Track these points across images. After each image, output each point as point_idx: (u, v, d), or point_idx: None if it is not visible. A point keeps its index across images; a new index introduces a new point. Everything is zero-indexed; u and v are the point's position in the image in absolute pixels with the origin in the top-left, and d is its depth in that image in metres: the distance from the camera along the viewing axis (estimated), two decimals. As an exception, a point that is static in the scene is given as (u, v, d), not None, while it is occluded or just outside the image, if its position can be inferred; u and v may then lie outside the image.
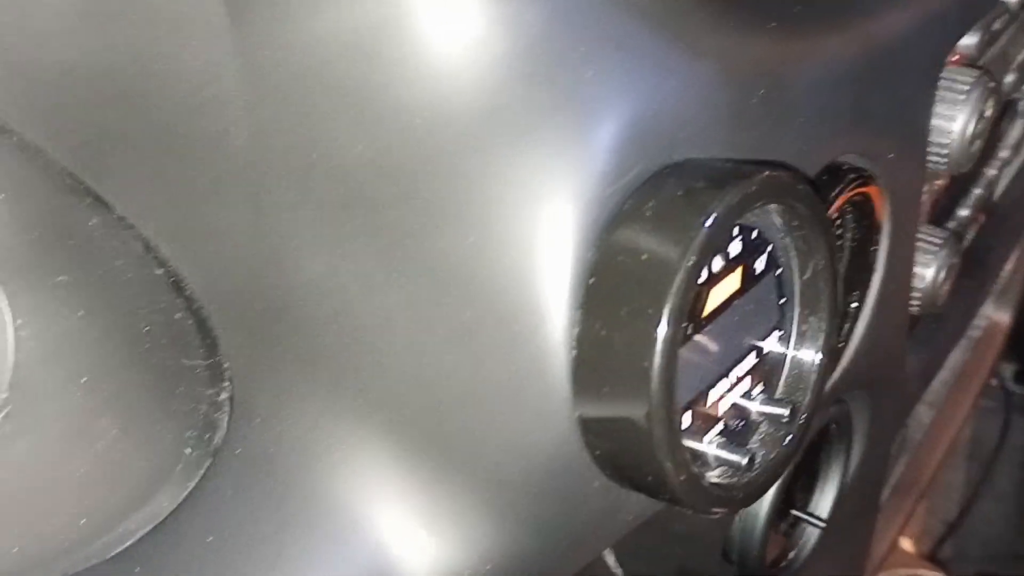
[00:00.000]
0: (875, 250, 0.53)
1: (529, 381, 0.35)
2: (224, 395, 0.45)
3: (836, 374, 0.54)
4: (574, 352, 0.34)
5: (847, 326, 0.53)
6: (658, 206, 0.34)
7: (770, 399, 0.40)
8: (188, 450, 0.43)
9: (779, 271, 0.40)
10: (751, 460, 0.38)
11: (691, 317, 0.36)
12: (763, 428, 0.40)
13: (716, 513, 0.37)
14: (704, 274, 0.36)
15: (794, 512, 0.60)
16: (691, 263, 0.33)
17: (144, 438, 0.44)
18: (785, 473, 0.54)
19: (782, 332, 0.41)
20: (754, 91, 0.41)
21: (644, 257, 0.33)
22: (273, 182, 0.38)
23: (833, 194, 0.46)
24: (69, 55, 0.39)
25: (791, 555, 0.62)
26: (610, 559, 0.57)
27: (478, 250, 0.35)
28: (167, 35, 0.36)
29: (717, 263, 0.36)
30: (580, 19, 0.36)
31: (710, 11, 0.41)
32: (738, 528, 0.55)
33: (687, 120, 0.37)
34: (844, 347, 0.53)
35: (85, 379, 0.47)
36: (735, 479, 0.38)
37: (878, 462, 0.67)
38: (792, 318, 0.41)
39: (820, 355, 0.41)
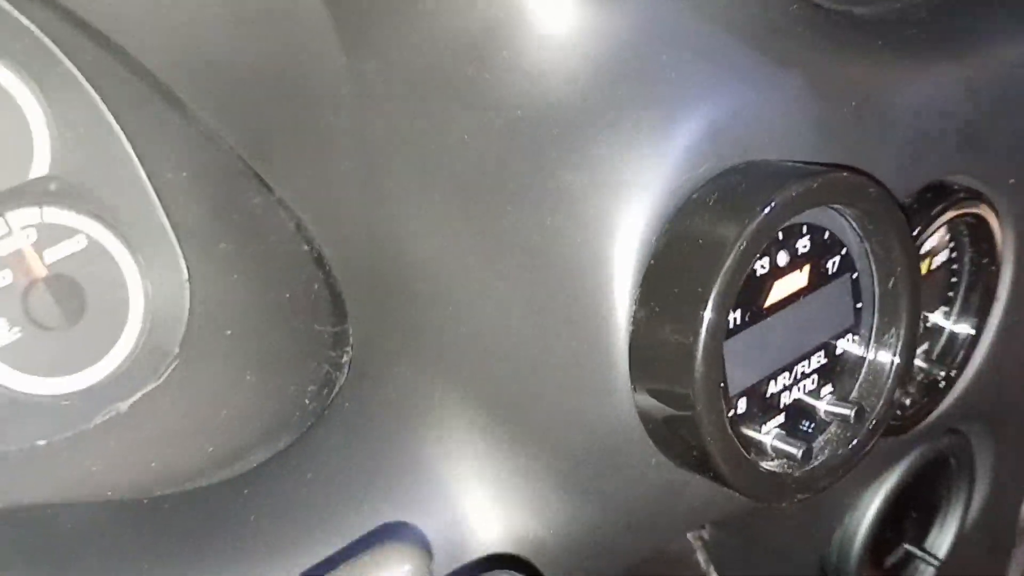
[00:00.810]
0: (996, 275, 0.52)
1: (593, 355, 0.38)
2: (345, 358, 0.50)
3: (948, 402, 0.53)
4: (632, 329, 0.37)
5: (960, 354, 0.52)
6: (720, 197, 0.37)
7: (838, 400, 0.41)
8: (307, 401, 0.49)
9: (855, 275, 0.41)
10: (807, 453, 0.39)
11: (750, 307, 0.38)
12: (832, 428, 0.41)
13: (766, 500, 0.39)
14: (766, 266, 0.38)
15: (906, 546, 0.59)
16: (741, 249, 0.35)
17: (275, 390, 0.50)
18: (887, 499, 0.54)
19: (858, 336, 0.42)
20: (847, 104, 0.42)
21: (700, 242, 0.36)
22: (390, 172, 0.43)
23: (935, 211, 0.46)
24: (232, 54, 0.46)
25: (903, 591, 0.61)
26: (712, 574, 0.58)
27: (556, 232, 0.38)
28: (289, 43, 0.42)
29: (783, 258, 0.38)
30: (666, 28, 0.39)
31: (809, 28, 0.43)
32: (836, 548, 0.55)
33: (767, 125, 0.40)
34: (957, 375, 0.53)
35: (234, 336, 0.54)
36: (791, 471, 0.39)
37: (1007, 505, 0.64)
38: (870, 323, 0.42)
39: (897, 361, 0.41)
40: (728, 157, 0.38)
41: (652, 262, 0.37)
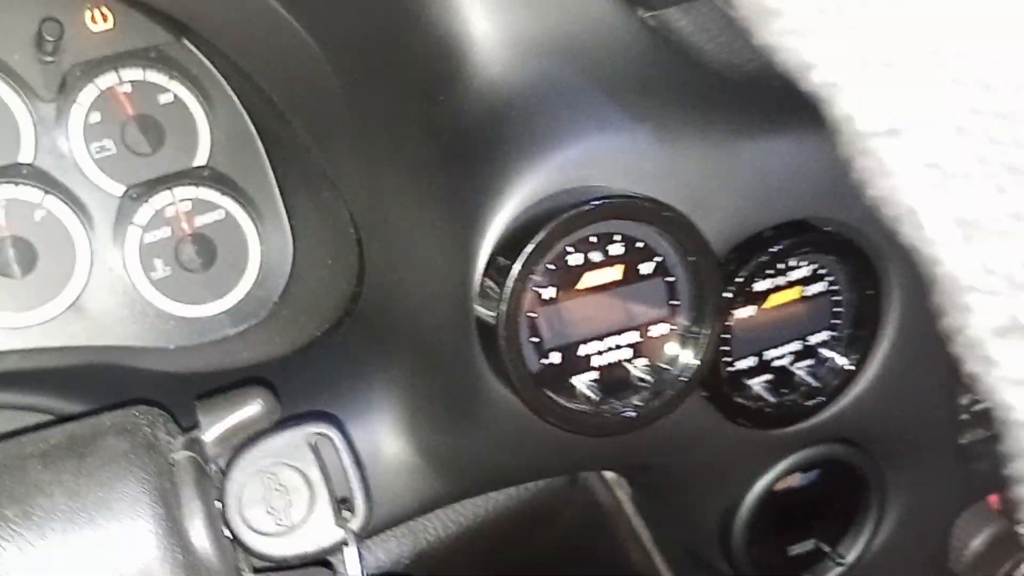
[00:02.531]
0: (876, 312, 0.62)
1: (458, 308, 0.55)
2: (356, 309, 0.69)
3: (825, 415, 0.63)
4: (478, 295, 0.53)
5: (835, 382, 0.62)
6: (543, 206, 0.52)
7: (645, 369, 0.54)
8: (319, 335, 0.68)
9: (672, 279, 0.54)
10: (601, 402, 0.53)
11: (564, 287, 0.53)
12: (645, 392, 0.55)
13: (564, 428, 0.53)
14: (580, 260, 0.53)
15: (814, 541, 0.69)
16: (539, 240, 0.50)
17: (305, 327, 0.70)
18: (768, 487, 0.65)
19: (673, 327, 0.55)
20: (695, 150, 0.56)
21: (519, 234, 0.52)
22: (382, 173, 0.62)
23: (789, 244, 0.58)
24: (301, 90, 0.67)
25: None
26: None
27: (452, 220, 0.56)
28: (313, 85, 0.62)
29: (596, 255, 0.53)
30: (553, 87, 0.55)
31: (680, 89, 0.57)
32: (725, 525, 0.67)
33: (614, 163, 0.54)
34: (828, 401, 0.62)
35: (308, 292, 0.76)
36: (588, 411, 0.53)
37: (928, 526, 0.71)
38: (682, 322, 0.55)
39: (695, 361, 0.54)
40: (574, 182, 0.54)
41: (495, 246, 0.53)
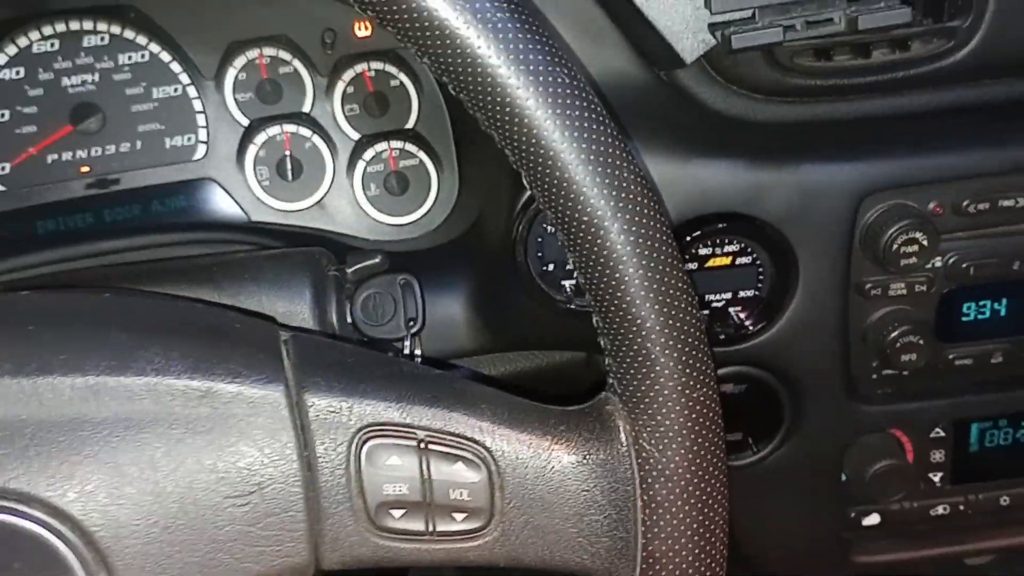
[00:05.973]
0: (785, 288, 0.93)
1: (510, 233, 0.93)
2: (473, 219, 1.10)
3: (751, 347, 0.95)
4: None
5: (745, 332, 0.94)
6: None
7: (604, 284, 0.90)
8: (450, 235, 1.10)
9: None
10: (573, 296, 0.90)
11: (561, 226, 0.90)
12: (602, 298, 0.91)
13: (542, 308, 0.90)
14: (572, 212, 0.90)
15: (741, 433, 1.01)
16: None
17: (443, 233, 1.12)
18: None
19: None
20: (676, 163, 0.90)
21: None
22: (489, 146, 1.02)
23: (722, 228, 0.91)
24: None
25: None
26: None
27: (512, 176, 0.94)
28: None
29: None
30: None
31: (671, 124, 0.92)
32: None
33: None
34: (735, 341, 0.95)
35: (460, 216, 1.17)
36: (564, 301, 0.90)
37: (821, 444, 1.00)
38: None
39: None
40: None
41: (527, 196, 0.91)
